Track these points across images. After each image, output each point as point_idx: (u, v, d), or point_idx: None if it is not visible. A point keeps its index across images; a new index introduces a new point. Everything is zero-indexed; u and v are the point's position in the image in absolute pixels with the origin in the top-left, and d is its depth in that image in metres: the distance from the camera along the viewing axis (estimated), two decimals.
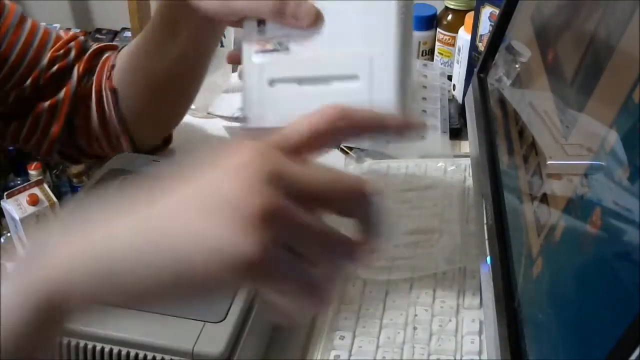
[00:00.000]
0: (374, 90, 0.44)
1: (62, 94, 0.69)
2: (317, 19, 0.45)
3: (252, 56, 0.48)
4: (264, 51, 0.47)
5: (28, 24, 0.69)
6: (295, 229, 0.32)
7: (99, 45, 0.74)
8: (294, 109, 0.42)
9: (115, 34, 2.15)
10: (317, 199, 0.33)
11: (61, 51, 0.70)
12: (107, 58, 0.71)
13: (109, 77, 0.69)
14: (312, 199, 0.33)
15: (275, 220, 0.30)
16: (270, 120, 0.48)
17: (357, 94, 0.45)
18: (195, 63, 0.66)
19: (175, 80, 0.66)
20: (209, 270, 0.30)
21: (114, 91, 0.68)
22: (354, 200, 0.35)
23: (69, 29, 0.76)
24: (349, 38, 0.45)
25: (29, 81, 0.68)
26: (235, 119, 0.88)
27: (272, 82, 0.48)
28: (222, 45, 0.98)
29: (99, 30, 2.15)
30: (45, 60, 0.69)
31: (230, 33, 0.99)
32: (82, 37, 0.73)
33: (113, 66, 0.69)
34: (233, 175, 0.31)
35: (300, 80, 0.47)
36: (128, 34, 2.09)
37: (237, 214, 0.30)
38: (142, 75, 0.67)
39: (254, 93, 0.49)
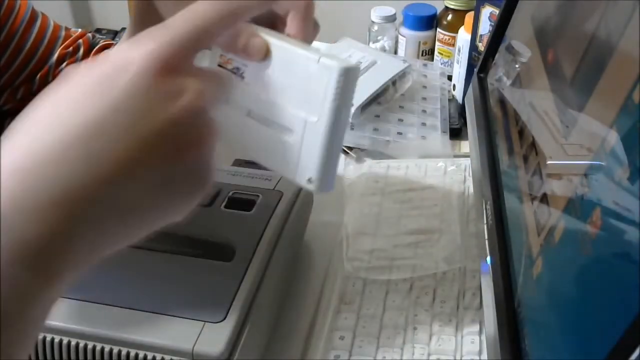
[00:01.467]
0: (302, 150, 0.46)
1: None
2: (266, 56, 0.45)
3: (214, 65, 0.49)
4: (224, 67, 0.48)
5: (39, 21, 0.70)
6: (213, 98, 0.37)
7: (105, 42, 0.74)
8: (235, 135, 0.48)
9: (115, 34, 2.15)
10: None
11: (70, 48, 0.70)
12: None
13: None
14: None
15: (203, 103, 0.34)
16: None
17: (288, 148, 0.46)
18: None
19: None
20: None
21: None
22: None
23: (69, 29, 0.76)
24: (295, 92, 0.46)
25: (37, 77, 0.69)
26: None
27: (227, 101, 0.48)
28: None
29: (99, 30, 2.14)
30: (54, 57, 0.69)
31: None
32: (90, 35, 0.73)
33: None
34: (139, 75, 0.33)
35: (249, 112, 0.48)
36: None
37: (170, 114, 0.33)
38: None
39: None
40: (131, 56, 0.33)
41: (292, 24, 0.48)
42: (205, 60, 0.48)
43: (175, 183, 0.34)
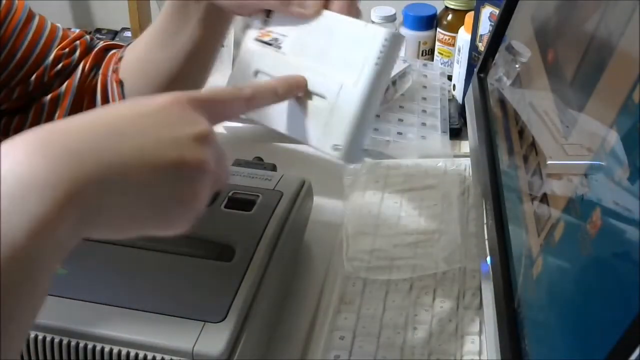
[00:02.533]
0: (333, 116, 0.45)
1: (64, 87, 0.70)
2: (318, 11, 0.47)
3: (250, 42, 0.50)
4: (262, 41, 0.49)
5: (35, 21, 0.70)
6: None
7: (106, 43, 0.74)
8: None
9: (115, 34, 2.15)
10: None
11: (66, 49, 0.70)
12: (114, 54, 0.72)
13: (115, 71, 0.70)
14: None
15: (211, 136, 0.40)
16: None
17: (317, 113, 0.46)
18: (203, 54, 0.66)
19: (182, 74, 0.66)
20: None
21: (120, 83, 0.69)
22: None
23: (69, 29, 0.76)
24: (334, 57, 0.46)
25: (33, 78, 0.69)
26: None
27: (257, 73, 0.50)
28: (222, 46, 0.98)
29: (99, 30, 2.15)
30: (50, 57, 0.69)
31: (231, 33, 0.99)
32: (87, 36, 0.73)
33: (120, 59, 0.70)
34: (170, 101, 0.40)
35: None
36: (128, 34, 2.09)
37: (186, 130, 0.39)
38: (152, 67, 0.67)
39: (240, 76, 0.51)
40: (164, 94, 0.40)
41: (338, 4, 0.49)
42: (244, 35, 0.50)
43: (170, 195, 0.38)
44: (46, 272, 0.33)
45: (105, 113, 0.38)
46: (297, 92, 0.47)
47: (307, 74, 0.46)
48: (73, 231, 0.33)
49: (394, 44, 0.44)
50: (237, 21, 0.88)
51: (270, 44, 0.49)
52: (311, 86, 0.46)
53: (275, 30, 0.48)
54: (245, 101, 0.45)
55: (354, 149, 0.45)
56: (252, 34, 0.50)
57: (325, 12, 0.46)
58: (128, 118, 0.38)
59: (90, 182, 0.33)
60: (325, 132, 0.45)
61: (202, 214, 0.41)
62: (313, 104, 0.46)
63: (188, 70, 0.66)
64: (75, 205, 0.33)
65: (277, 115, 0.49)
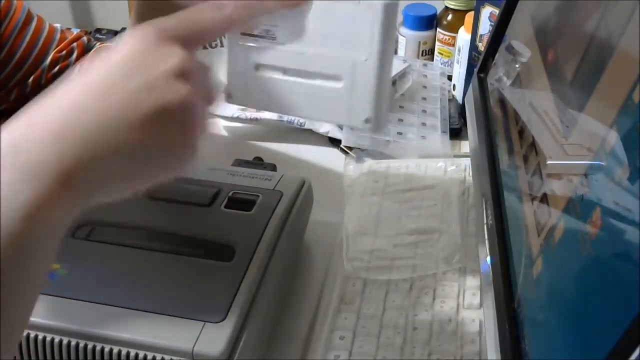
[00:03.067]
0: (355, 93, 0.47)
1: None
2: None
3: (238, 37, 0.50)
4: (251, 35, 0.49)
5: (34, 23, 0.70)
6: (198, 69, 0.39)
7: (102, 44, 0.74)
8: (277, 94, 0.48)
9: (115, 34, 2.15)
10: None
11: (64, 52, 0.70)
12: None
13: None
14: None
15: (188, 68, 0.38)
16: (254, 103, 0.52)
17: (338, 94, 0.47)
18: None
19: None
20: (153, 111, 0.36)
21: None
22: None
23: (69, 29, 0.76)
24: (336, 38, 0.46)
25: (30, 80, 0.69)
26: (236, 119, 0.88)
27: (258, 67, 0.49)
28: (221, 45, 0.98)
29: (99, 30, 2.14)
30: (48, 59, 0.69)
31: None
32: (85, 38, 0.73)
33: None
34: (140, 40, 0.38)
35: (286, 70, 0.48)
36: None
37: (160, 70, 0.37)
38: None
39: (239, 74, 0.50)
40: (130, 34, 0.38)
41: None
42: (232, 36, 0.50)
43: (166, 142, 0.37)
44: (44, 255, 0.33)
45: (79, 82, 0.37)
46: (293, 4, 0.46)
47: (314, 59, 0.47)
48: (69, 209, 0.34)
49: (391, 12, 0.45)
50: None
51: (261, 37, 0.49)
52: (322, 69, 0.47)
53: (263, 23, 0.48)
54: (226, 21, 0.42)
55: (382, 117, 0.47)
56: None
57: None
58: (99, 78, 0.36)
59: (79, 160, 0.33)
60: (351, 110, 0.47)
61: (202, 145, 0.40)
62: (330, 86, 0.47)
63: None
64: (68, 185, 0.33)
65: (297, 103, 0.49)
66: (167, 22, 0.39)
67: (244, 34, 0.49)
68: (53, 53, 0.70)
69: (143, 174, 0.37)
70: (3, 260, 0.30)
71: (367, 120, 0.47)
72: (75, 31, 0.75)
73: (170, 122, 0.37)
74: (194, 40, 0.40)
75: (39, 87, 0.70)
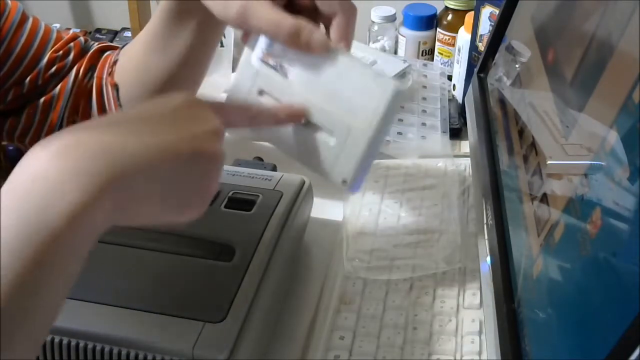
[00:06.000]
0: (342, 154, 0.49)
1: (57, 89, 0.70)
2: (326, 50, 0.48)
3: (254, 58, 0.50)
4: (266, 63, 0.50)
5: (29, 23, 0.69)
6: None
7: (101, 44, 0.74)
8: (272, 128, 0.51)
9: (115, 34, 2.15)
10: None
11: (60, 52, 0.70)
12: (108, 56, 0.72)
13: (110, 74, 0.69)
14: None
15: (219, 129, 0.45)
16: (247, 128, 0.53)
17: (326, 148, 0.50)
18: (197, 60, 0.66)
19: (177, 78, 0.66)
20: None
21: (115, 87, 0.69)
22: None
23: (69, 29, 0.76)
24: (342, 100, 0.48)
25: (27, 80, 0.68)
26: None
27: (261, 92, 0.51)
28: (222, 45, 0.98)
29: (99, 30, 2.15)
30: (44, 60, 0.69)
31: (230, 33, 0.99)
32: (82, 38, 0.73)
33: (115, 62, 0.70)
34: (185, 99, 0.44)
35: None
36: (128, 34, 2.09)
37: (203, 125, 0.43)
38: (147, 71, 0.67)
39: (243, 91, 0.52)
40: (179, 94, 0.44)
41: (337, 28, 0.51)
42: (248, 55, 0.51)
43: (190, 183, 0.42)
44: (80, 256, 0.36)
45: (128, 113, 0.43)
46: (297, 121, 0.50)
47: (315, 110, 0.49)
48: (106, 218, 0.36)
49: (399, 97, 0.47)
50: None
51: (274, 69, 0.50)
52: (320, 121, 0.49)
53: (282, 56, 0.49)
54: (249, 117, 0.49)
55: (359, 182, 0.50)
56: (257, 52, 0.51)
57: (334, 51, 0.48)
58: (148, 116, 0.41)
59: (123, 173, 0.37)
60: (333, 167, 0.50)
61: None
62: (322, 138, 0.50)
63: (183, 74, 0.66)
64: (110, 194, 0.36)
65: (288, 142, 0.52)
66: (208, 98, 0.46)
67: (259, 57, 0.50)
68: (50, 53, 0.69)
69: (164, 204, 0.41)
70: (47, 252, 0.33)
71: (343, 182, 0.50)
72: (75, 31, 0.75)
73: (200, 167, 0.42)
74: (223, 121, 0.46)
75: (36, 87, 0.69)
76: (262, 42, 0.50)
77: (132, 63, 0.69)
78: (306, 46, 0.48)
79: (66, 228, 0.34)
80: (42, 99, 0.69)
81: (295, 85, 0.49)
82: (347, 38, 0.51)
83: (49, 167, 0.35)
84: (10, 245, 0.33)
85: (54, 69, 0.69)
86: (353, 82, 0.48)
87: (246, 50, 0.52)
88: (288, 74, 0.49)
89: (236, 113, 0.49)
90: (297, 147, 0.51)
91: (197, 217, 0.44)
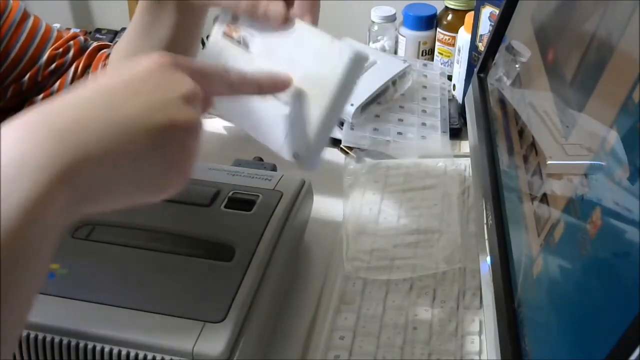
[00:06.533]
0: (295, 125, 0.47)
1: (56, 86, 0.70)
2: (285, 23, 0.48)
3: (219, 35, 0.51)
4: (230, 37, 0.50)
5: (30, 21, 0.70)
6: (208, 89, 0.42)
7: (99, 43, 0.75)
8: (234, 101, 0.49)
9: (115, 34, 2.15)
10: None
11: (60, 49, 0.71)
12: (103, 53, 0.73)
13: (104, 67, 0.70)
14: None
15: (196, 95, 0.40)
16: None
17: (280, 121, 0.47)
18: (181, 43, 0.67)
19: None
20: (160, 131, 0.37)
21: None
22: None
23: (69, 29, 0.76)
24: (300, 68, 0.47)
25: (27, 77, 0.69)
26: None
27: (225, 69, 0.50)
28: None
29: (99, 30, 2.14)
30: (44, 57, 0.70)
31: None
32: (82, 37, 0.74)
33: (108, 56, 0.71)
34: (155, 62, 0.40)
35: None
36: None
37: (173, 91, 0.39)
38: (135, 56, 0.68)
39: None
40: (148, 56, 0.40)
41: (301, 4, 0.50)
42: (213, 27, 0.51)
43: (165, 157, 0.38)
44: (42, 252, 0.33)
45: (92, 86, 0.38)
46: (280, 91, 0.48)
47: None
48: (68, 209, 0.34)
49: (357, 63, 0.45)
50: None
51: (238, 42, 0.49)
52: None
53: (244, 29, 0.49)
54: (229, 84, 0.45)
55: (313, 158, 0.47)
56: (220, 27, 0.51)
57: (293, 22, 0.47)
58: (114, 86, 0.38)
59: (81, 159, 0.33)
60: (286, 140, 0.47)
61: (192, 173, 0.41)
62: (277, 110, 0.47)
63: None
64: (67, 184, 0.33)
65: (243, 115, 0.50)
66: (182, 58, 0.41)
67: (224, 33, 0.50)
68: (50, 51, 0.70)
69: (138, 186, 0.38)
70: (2, 258, 0.30)
71: (295, 156, 0.47)
72: (75, 31, 0.76)
73: (174, 140, 0.38)
74: (203, 81, 0.42)
75: (36, 84, 0.70)
76: (224, 17, 0.50)
77: (121, 52, 0.69)
78: (264, 17, 0.47)
79: (21, 226, 0.31)
80: (41, 96, 0.70)
81: (257, 58, 0.48)
82: (311, 12, 0.50)
83: (6, 152, 0.32)
84: None
85: (53, 66, 0.70)
86: (311, 51, 0.46)
87: (215, 27, 0.52)
88: (250, 47, 0.49)
89: (216, 78, 0.44)
90: (250, 119, 0.49)
91: (178, 192, 0.40)
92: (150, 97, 0.38)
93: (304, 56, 0.46)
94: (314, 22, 0.50)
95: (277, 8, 0.48)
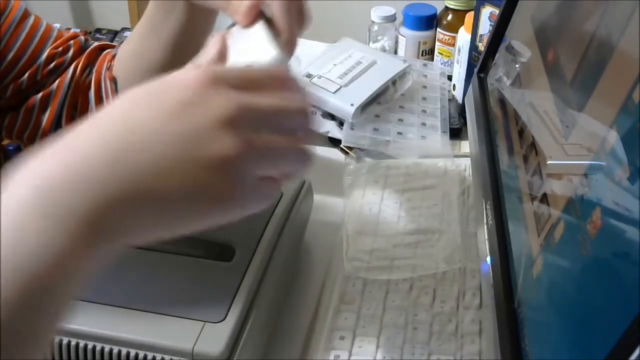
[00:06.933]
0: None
1: (55, 85, 0.71)
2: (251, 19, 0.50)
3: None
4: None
5: (30, 20, 0.70)
6: (257, 114, 0.37)
7: (100, 43, 0.75)
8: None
9: (115, 34, 2.15)
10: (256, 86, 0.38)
11: (60, 48, 0.71)
12: (108, 53, 0.73)
13: (109, 68, 0.70)
14: (254, 86, 0.38)
15: (241, 115, 0.35)
16: None
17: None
18: (189, 43, 0.67)
19: (174, 60, 0.67)
20: (190, 175, 0.34)
21: (113, 80, 0.70)
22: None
23: (69, 29, 0.76)
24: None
25: (26, 76, 0.69)
26: None
27: None
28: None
29: (99, 30, 2.14)
30: (44, 56, 0.70)
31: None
32: (82, 37, 0.74)
33: (114, 56, 0.71)
34: (189, 87, 0.35)
35: None
36: (128, 34, 2.08)
37: (207, 119, 0.34)
38: (143, 56, 0.68)
39: None
40: (180, 78, 0.36)
41: (274, 8, 0.50)
42: None
43: (207, 188, 0.35)
44: (71, 293, 0.33)
45: (121, 117, 0.35)
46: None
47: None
48: (98, 254, 0.33)
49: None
50: None
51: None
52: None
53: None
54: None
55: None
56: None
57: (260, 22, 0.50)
58: (143, 121, 0.34)
59: (110, 207, 0.33)
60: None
61: (272, 190, 0.38)
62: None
63: (178, 58, 0.67)
64: (101, 233, 0.32)
65: None
66: (224, 71, 0.37)
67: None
68: (49, 49, 0.70)
69: (182, 223, 0.36)
70: (32, 305, 0.31)
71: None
72: (75, 31, 0.76)
73: (217, 179, 0.35)
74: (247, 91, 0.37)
75: (35, 83, 0.70)
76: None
77: (129, 52, 0.70)
78: (234, 14, 0.50)
79: (55, 275, 0.31)
80: (40, 95, 0.70)
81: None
82: (282, 19, 0.50)
83: (32, 206, 0.31)
84: None
85: (52, 64, 0.70)
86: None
87: None
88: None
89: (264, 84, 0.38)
90: None
91: (237, 218, 0.38)
92: (181, 135, 0.34)
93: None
94: (285, 24, 0.50)
95: (246, 7, 0.50)
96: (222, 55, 0.44)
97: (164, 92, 0.35)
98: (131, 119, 0.35)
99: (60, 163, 0.33)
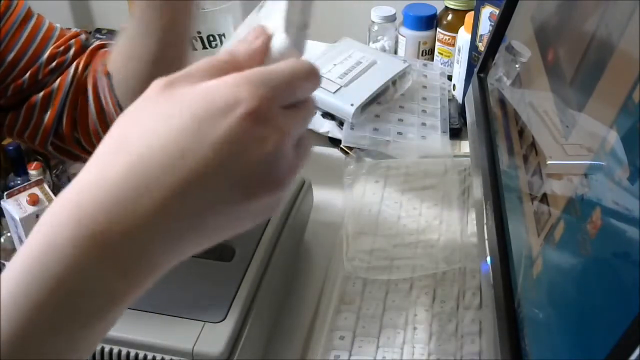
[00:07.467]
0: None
1: (56, 84, 0.71)
2: None
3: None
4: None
5: (33, 19, 0.70)
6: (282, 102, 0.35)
7: (100, 42, 0.75)
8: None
9: (115, 34, 2.15)
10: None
11: (61, 48, 0.71)
12: (105, 52, 0.73)
13: (105, 64, 0.71)
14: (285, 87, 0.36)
15: (281, 150, 0.34)
16: None
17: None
18: (177, 40, 0.67)
19: (163, 61, 0.67)
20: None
21: (107, 75, 0.70)
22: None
23: (69, 29, 0.76)
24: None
25: (27, 75, 0.69)
26: None
27: None
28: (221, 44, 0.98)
29: (99, 30, 2.14)
30: (45, 55, 0.70)
31: (230, 33, 0.99)
32: (83, 36, 0.74)
33: (108, 53, 0.71)
34: (223, 86, 0.34)
35: None
36: None
37: (262, 158, 0.34)
38: (134, 57, 0.68)
39: None
40: (240, 97, 0.34)
41: None
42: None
43: (249, 215, 0.36)
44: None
45: (169, 160, 0.33)
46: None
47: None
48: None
49: None
50: (237, 18, 0.88)
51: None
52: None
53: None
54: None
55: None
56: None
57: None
58: (197, 161, 0.33)
59: (167, 252, 0.36)
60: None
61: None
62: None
63: (166, 59, 0.67)
64: (154, 271, 0.36)
65: None
66: (271, 82, 0.35)
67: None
68: (51, 49, 0.70)
69: (213, 239, 0.39)
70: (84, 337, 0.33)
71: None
72: (76, 30, 0.76)
73: (261, 206, 0.36)
74: (290, 94, 0.36)
75: (36, 82, 0.70)
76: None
77: (119, 49, 0.70)
78: None
79: (109, 312, 0.33)
80: (41, 94, 0.70)
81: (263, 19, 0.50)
82: None
83: (78, 257, 0.32)
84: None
85: (54, 63, 0.70)
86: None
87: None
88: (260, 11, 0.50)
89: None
90: None
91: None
92: (232, 168, 0.33)
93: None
94: None
95: None
96: (262, 53, 0.40)
97: (218, 119, 0.33)
98: (182, 160, 0.33)
99: (108, 209, 0.33)
